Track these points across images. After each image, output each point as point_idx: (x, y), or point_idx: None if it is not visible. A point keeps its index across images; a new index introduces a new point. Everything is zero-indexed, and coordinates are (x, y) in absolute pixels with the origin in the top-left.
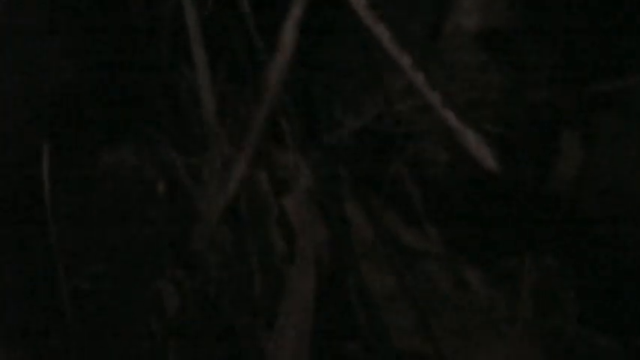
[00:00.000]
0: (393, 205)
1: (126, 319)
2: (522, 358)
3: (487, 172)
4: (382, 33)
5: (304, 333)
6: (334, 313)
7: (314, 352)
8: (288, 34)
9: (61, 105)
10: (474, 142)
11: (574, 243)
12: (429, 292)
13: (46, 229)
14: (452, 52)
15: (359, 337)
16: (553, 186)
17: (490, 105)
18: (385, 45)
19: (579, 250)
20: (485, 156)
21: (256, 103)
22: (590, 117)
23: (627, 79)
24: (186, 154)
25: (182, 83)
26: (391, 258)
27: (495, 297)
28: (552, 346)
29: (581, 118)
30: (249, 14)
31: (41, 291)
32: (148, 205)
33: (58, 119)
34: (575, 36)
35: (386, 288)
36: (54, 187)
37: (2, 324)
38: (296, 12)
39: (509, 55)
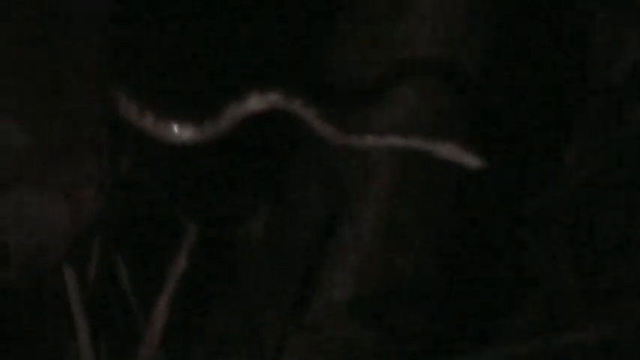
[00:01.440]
0: None
1: None
2: None
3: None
4: None
5: None
6: None
7: None
8: (161, 307)
9: None
10: (449, 153)
11: None
12: None
13: None
14: (324, 324)
15: None
16: None
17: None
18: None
19: None
20: (468, 159)
21: None
22: None
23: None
24: None
25: (66, 356)
26: None
27: None
28: None
29: None
30: (129, 288)
31: None
32: None
33: None
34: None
35: None
36: None
37: None
38: (169, 288)
39: (381, 322)
